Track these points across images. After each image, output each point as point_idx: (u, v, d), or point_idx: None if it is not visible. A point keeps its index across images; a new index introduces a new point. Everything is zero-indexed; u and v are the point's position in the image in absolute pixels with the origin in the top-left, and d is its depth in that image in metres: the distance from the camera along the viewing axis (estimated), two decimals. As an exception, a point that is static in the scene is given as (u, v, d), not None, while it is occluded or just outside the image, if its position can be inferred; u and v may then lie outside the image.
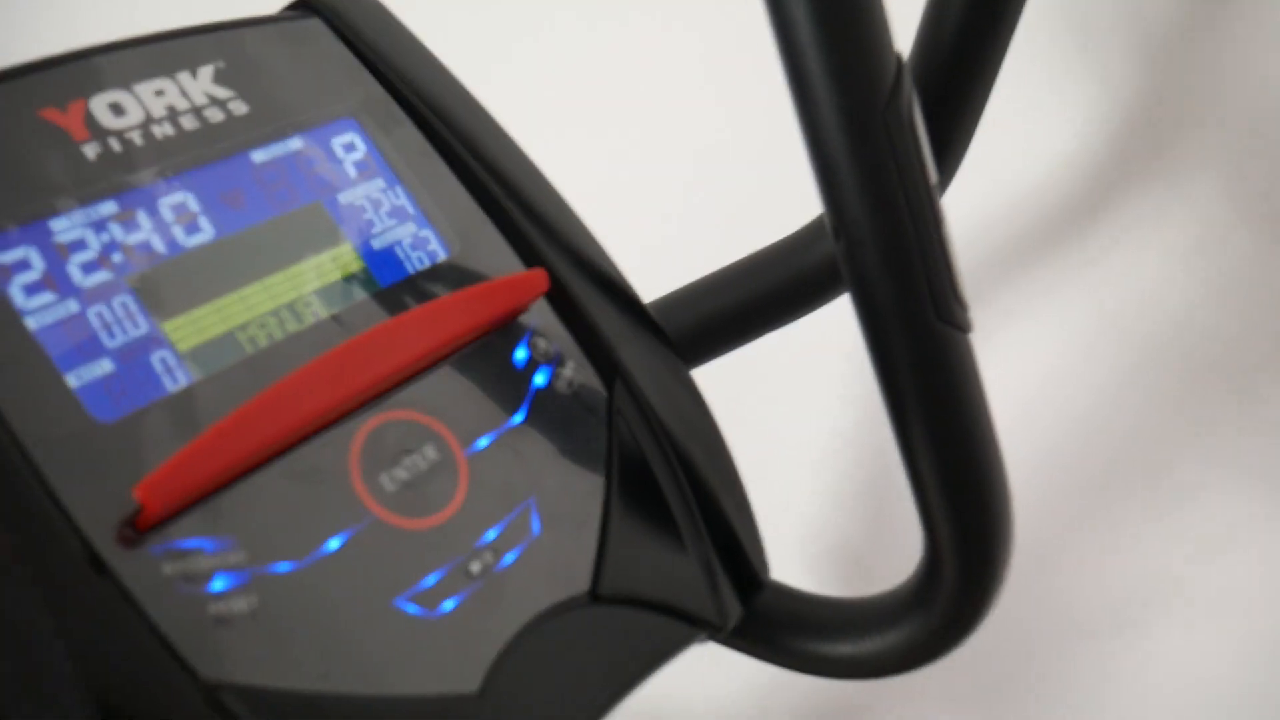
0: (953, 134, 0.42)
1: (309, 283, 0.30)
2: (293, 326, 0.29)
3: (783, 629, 0.39)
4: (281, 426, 0.27)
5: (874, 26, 0.29)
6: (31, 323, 0.25)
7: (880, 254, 0.31)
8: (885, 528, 0.75)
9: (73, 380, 0.25)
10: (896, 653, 0.38)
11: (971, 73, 0.40)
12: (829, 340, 0.63)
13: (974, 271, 0.56)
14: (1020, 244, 0.63)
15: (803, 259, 0.41)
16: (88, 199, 0.28)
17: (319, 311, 0.30)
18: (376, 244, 0.32)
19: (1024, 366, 0.63)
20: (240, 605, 0.25)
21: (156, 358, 0.27)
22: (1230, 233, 0.57)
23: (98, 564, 0.24)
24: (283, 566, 0.26)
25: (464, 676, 0.28)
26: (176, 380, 0.27)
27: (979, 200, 0.61)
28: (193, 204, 0.29)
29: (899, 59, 0.30)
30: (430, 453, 0.30)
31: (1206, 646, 0.68)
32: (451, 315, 0.31)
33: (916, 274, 0.31)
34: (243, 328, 0.29)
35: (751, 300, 0.42)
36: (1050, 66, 0.58)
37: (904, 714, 0.76)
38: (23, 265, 0.26)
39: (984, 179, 0.49)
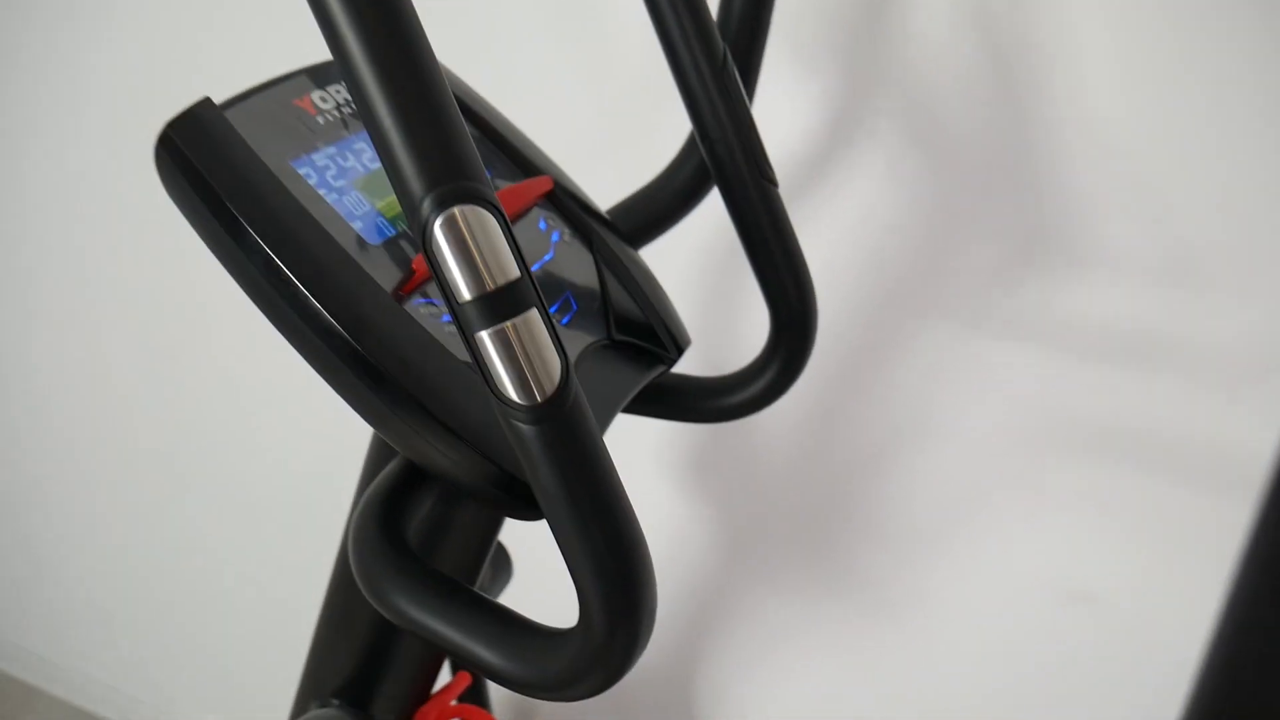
0: (750, 68, 0.69)
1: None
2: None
3: (697, 395, 0.66)
4: None
5: (710, 32, 0.57)
6: (330, 198, 0.49)
7: (729, 146, 0.59)
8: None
9: (356, 225, 0.49)
10: (764, 394, 0.65)
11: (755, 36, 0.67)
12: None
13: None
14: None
15: (683, 171, 0.69)
16: (327, 144, 0.51)
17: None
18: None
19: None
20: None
21: (379, 220, 0.51)
22: (912, 176, 0.90)
23: (401, 300, 0.47)
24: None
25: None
26: (392, 230, 0.51)
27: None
28: (367, 147, 0.53)
29: (725, 48, 0.58)
30: None
31: (943, 453, 1.00)
32: (528, 190, 0.56)
33: (750, 157, 0.59)
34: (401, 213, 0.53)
35: (664, 202, 0.69)
36: (772, 67, 0.89)
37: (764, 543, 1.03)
38: (311, 174, 0.49)
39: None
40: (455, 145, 0.36)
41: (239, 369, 1.32)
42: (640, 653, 0.42)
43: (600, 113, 0.97)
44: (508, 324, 0.37)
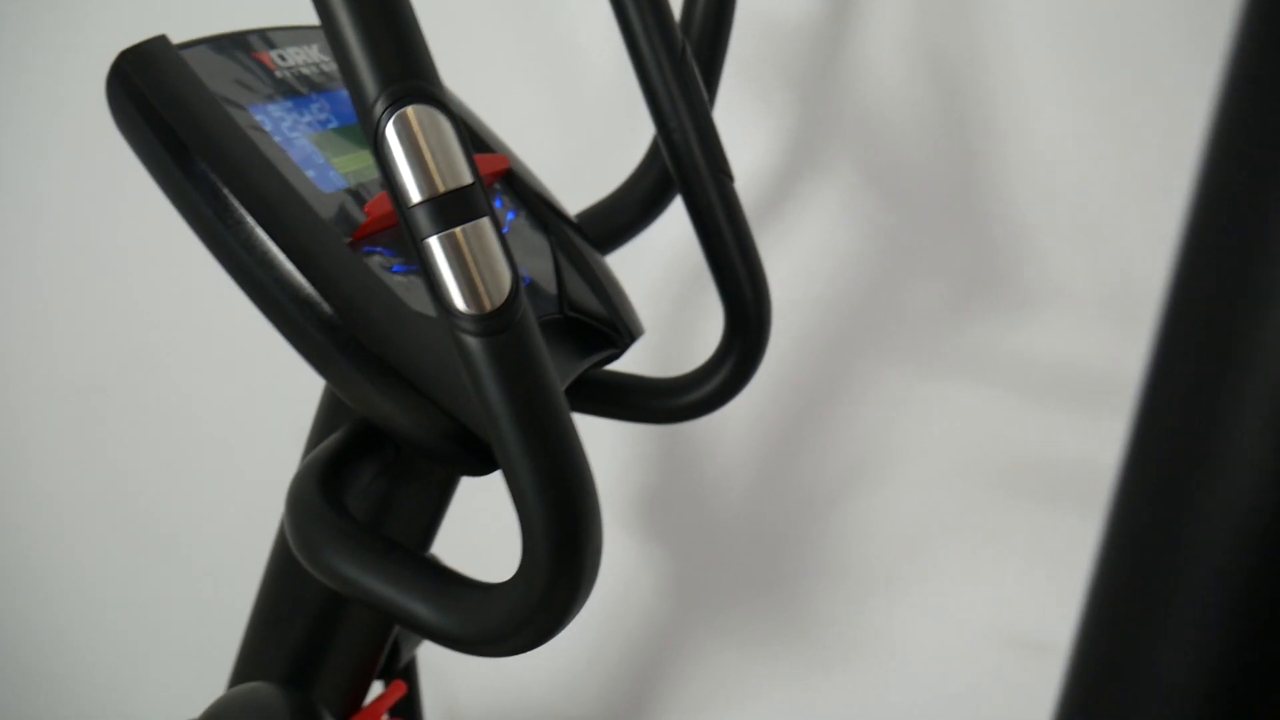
0: (712, 67, 0.69)
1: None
2: (374, 174, 0.53)
3: (650, 394, 0.65)
4: None
5: (669, 25, 0.58)
6: (288, 147, 0.48)
7: (686, 137, 0.60)
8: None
9: (309, 173, 0.48)
10: (719, 393, 0.65)
11: (718, 35, 0.67)
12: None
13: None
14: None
15: (646, 179, 0.69)
16: (284, 98, 0.51)
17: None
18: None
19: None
20: (406, 281, 0.48)
21: (333, 174, 0.50)
22: (861, 200, 0.92)
23: (352, 248, 0.47)
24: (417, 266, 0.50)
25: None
26: (345, 183, 0.50)
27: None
28: (326, 108, 0.53)
29: (684, 41, 0.59)
30: None
31: (901, 492, 0.99)
32: (483, 165, 0.56)
33: (707, 148, 0.60)
34: (356, 170, 0.52)
35: (627, 210, 0.69)
36: (731, 104, 0.91)
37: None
38: (266, 121, 0.49)
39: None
40: (411, 45, 0.36)
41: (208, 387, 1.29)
42: (585, 592, 0.40)
43: (564, 128, 0.98)
44: (457, 230, 0.37)
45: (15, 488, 1.24)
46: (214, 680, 0.63)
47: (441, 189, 0.36)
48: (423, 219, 0.37)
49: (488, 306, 0.37)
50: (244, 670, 0.61)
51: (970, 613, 1.00)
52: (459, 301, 0.37)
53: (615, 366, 0.66)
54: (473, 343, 0.37)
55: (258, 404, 1.11)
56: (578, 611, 0.41)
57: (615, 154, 0.94)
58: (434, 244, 0.37)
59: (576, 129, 0.98)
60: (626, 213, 0.70)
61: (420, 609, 0.42)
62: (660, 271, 0.97)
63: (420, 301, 0.48)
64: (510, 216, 0.59)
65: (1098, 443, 0.91)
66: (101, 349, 1.17)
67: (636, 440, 1.06)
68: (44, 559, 1.25)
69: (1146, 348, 0.26)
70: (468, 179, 0.37)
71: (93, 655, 1.26)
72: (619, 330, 0.60)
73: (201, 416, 1.16)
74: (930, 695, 1.03)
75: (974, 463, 0.96)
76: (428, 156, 0.36)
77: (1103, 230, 0.85)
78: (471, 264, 0.37)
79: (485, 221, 0.37)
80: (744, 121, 0.92)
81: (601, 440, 0.98)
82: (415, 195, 0.36)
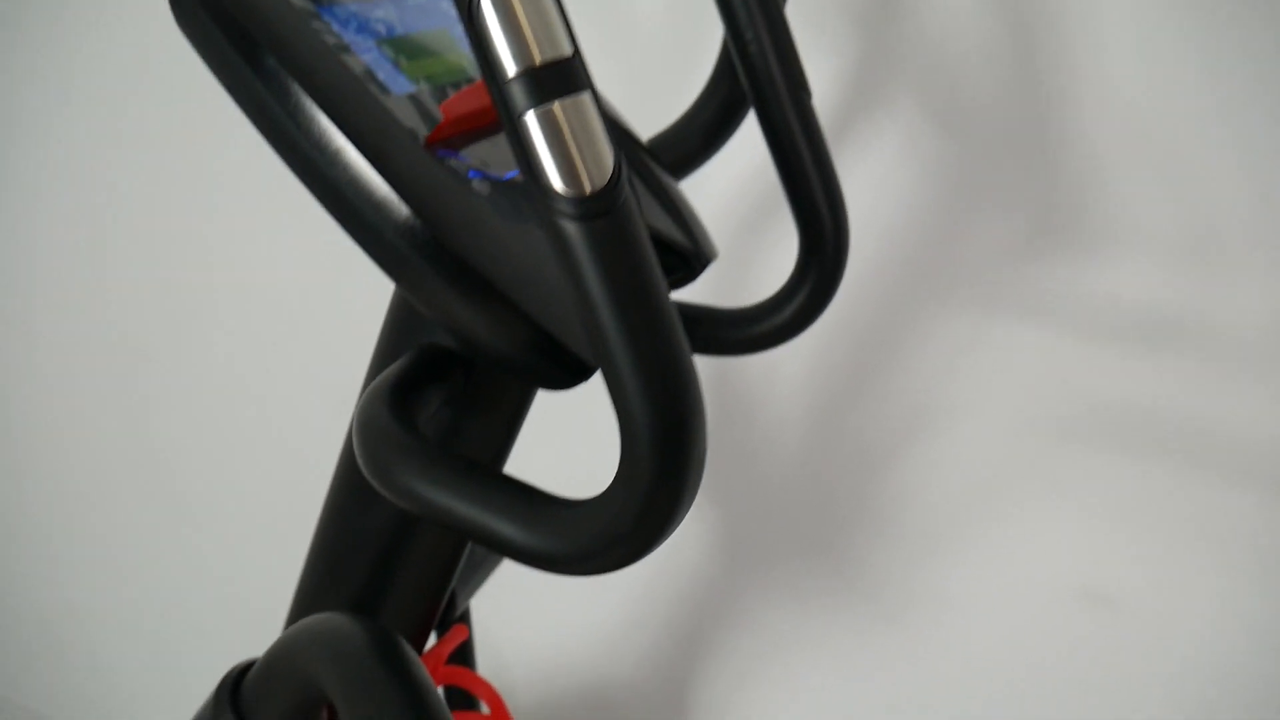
0: None
1: (457, 62, 0.52)
2: (444, 81, 0.51)
3: (724, 324, 0.62)
4: (480, 105, 0.47)
5: None
6: (356, 49, 0.46)
7: (763, 50, 0.57)
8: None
9: (380, 74, 0.46)
10: (795, 320, 0.62)
11: None
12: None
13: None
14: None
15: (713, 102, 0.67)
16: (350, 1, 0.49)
17: (465, 75, 0.52)
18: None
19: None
20: (483, 188, 0.46)
21: (402, 78, 0.48)
22: (924, 137, 0.88)
23: (429, 150, 0.44)
24: (494, 174, 0.47)
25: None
26: (415, 86, 0.48)
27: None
28: (392, 14, 0.51)
29: None
30: None
31: (959, 444, 0.96)
32: None
33: (784, 63, 0.57)
34: (426, 76, 0.50)
35: (696, 135, 0.67)
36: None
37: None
38: (334, 22, 0.46)
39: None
40: None
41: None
42: (688, 501, 0.38)
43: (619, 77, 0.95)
44: (555, 104, 0.34)
45: (53, 456, 1.23)
46: (248, 651, 0.61)
47: (539, 60, 0.34)
48: (518, 93, 0.34)
49: (588, 189, 0.34)
50: (303, 608, 0.59)
51: (1031, 567, 0.97)
52: (557, 182, 0.34)
53: (680, 296, 0.64)
54: (571, 228, 0.35)
55: (297, 375, 1.09)
56: (679, 523, 0.38)
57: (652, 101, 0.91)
58: (530, 119, 0.34)
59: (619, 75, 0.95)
60: (695, 138, 0.68)
61: (506, 527, 0.39)
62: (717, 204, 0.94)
63: (500, 206, 0.45)
64: None
65: (1170, 390, 0.88)
66: (142, 317, 1.15)
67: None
68: (79, 529, 1.24)
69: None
70: (567, 50, 0.34)
71: (126, 627, 1.25)
72: (694, 253, 0.58)
73: (240, 387, 1.15)
74: (988, 652, 1.01)
75: (1039, 412, 0.93)
76: (524, 24, 0.33)
77: (1183, 167, 0.82)
78: (571, 142, 0.34)
79: (586, 96, 0.35)
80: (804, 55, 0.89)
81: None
82: (511, 68, 0.34)
